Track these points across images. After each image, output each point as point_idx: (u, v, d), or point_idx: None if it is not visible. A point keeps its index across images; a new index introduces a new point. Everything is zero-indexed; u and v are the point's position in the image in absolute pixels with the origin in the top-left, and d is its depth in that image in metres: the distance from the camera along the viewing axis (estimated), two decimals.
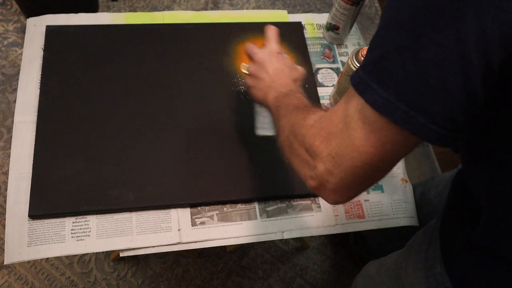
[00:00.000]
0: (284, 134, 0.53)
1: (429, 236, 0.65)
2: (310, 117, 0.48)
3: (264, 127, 0.74)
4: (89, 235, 0.68)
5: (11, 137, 0.75)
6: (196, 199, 0.72)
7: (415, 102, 0.36)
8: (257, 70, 0.66)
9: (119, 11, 1.71)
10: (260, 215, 0.74)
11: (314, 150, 0.44)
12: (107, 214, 0.70)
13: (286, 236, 0.74)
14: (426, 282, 0.63)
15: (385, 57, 0.37)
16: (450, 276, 0.58)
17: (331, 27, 0.91)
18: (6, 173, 1.33)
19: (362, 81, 0.39)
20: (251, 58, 0.69)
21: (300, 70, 0.68)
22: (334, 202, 0.46)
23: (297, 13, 1.78)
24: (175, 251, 0.72)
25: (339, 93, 0.83)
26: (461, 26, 0.33)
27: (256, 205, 0.75)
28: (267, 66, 0.65)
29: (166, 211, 0.72)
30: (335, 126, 0.42)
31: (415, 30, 0.35)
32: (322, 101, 0.86)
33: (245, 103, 0.82)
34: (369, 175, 0.42)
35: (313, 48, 0.94)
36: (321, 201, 0.77)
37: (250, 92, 0.68)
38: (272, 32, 0.70)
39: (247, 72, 0.68)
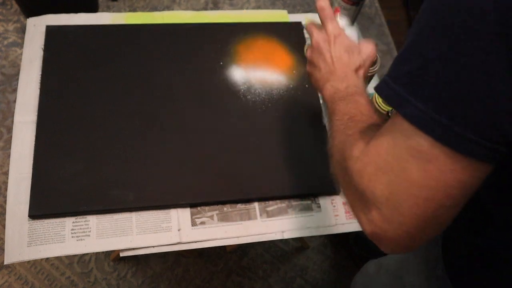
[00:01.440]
0: (336, 159, 0.46)
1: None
2: (357, 144, 0.41)
3: None
4: (89, 235, 0.68)
5: (11, 137, 0.75)
6: (196, 199, 0.72)
7: (459, 115, 0.32)
8: (314, 57, 0.60)
9: (119, 11, 1.71)
10: (260, 215, 0.74)
11: (363, 189, 0.37)
12: (107, 214, 0.70)
13: (286, 236, 0.74)
14: (427, 283, 0.62)
15: (423, 68, 0.34)
16: (452, 279, 0.57)
17: None
18: (6, 173, 1.33)
19: (395, 94, 0.35)
20: (319, 28, 0.61)
21: (365, 51, 0.60)
22: (395, 252, 0.39)
23: (297, 13, 1.78)
24: (175, 251, 0.72)
25: None
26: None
27: (256, 205, 0.75)
28: (323, 53, 0.59)
29: (166, 211, 0.72)
30: (383, 159, 0.36)
31: (457, 37, 0.32)
32: (322, 101, 0.86)
33: (245, 102, 0.82)
34: (435, 216, 0.35)
35: None
36: (321, 201, 0.77)
37: (309, 80, 0.63)
38: (325, 12, 0.60)
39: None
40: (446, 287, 0.58)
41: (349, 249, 1.36)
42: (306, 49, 0.64)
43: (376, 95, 0.77)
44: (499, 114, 0.32)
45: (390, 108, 0.77)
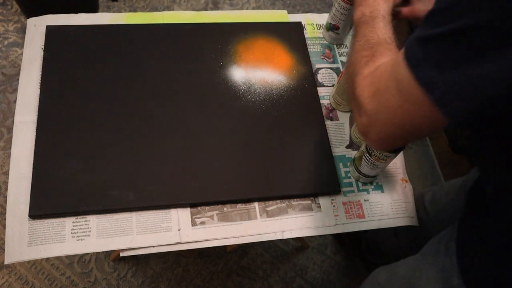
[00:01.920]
0: (349, 73, 0.55)
1: (444, 246, 0.64)
2: (370, 64, 0.51)
3: None
4: (89, 235, 0.68)
5: (11, 137, 0.75)
6: (196, 199, 0.72)
7: (462, 88, 0.38)
8: None
9: (119, 11, 1.71)
10: (260, 215, 0.74)
11: (362, 102, 0.48)
12: (107, 214, 0.70)
13: (286, 236, 0.74)
14: None
15: (450, 35, 0.38)
16: None
17: (331, 27, 0.92)
18: (6, 173, 1.33)
19: (416, 58, 0.41)
20: None
21: None
22: (376, 148, 0.53)
23: (297, 13, 1.78)
24: (175, 251, 0.72)
25: (339, 93, 0.83)
26: None
27: (256, 205, 0.75)
28: None
29: (166, 211, 0.72)
30: (383, 85, 0.46)
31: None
32: (322, 101, 0.86)
33: (245, 102, 0.82)
34: (403, 135, 0.47)
35: (313, 48, 0.94)
36: (321, 201, 0.77)
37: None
38: None
39: None
40: None
41: (362, 256, 1.35)
42: None
43: None
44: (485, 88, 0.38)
45: None
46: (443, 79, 0.39)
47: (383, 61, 0.50)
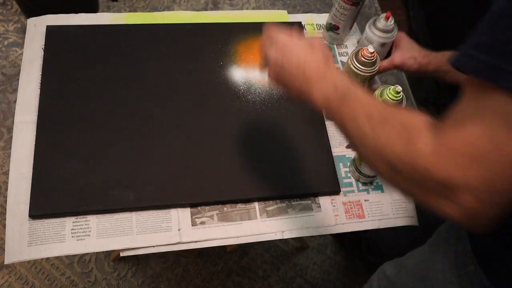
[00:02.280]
0: (381, 166, 0.43)
1: (455, 233, 0.62)
2: (419, 139, 0.38)
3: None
4: (89, 235, 0.68)
5: (12, 137, 0.75)
6: (196, 199, 0.72)
7: None
8: (278, 59, 0.54)
9: (119, 11, 1.71)
10: (260, 215, 0.74)
11: (454, 182, 0.35)
12: (107, 214, 0.70)
13: (286, 236, 0.74)
14: (459, 281, 0.60)
15: (489, 20, 0.33)
16: (487, 274, 0.55)
17: (331, 27, 0.92)
18: (6, 173, 1.33)
19: (489, 66, 0.32)
20: (269, 43, 0.57)
21: (316, 42, 0.55)
22: (490, 228, 0.38)
23: (297, 13, 1.78)
24: (175, 251, 0.72)
25: None
26: None
27: (256, 205, 0.75)
28: (287, 53, 0.54)
29: (166, 211, 0.72)
30: (475, 147, 0.34)
31: None
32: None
33: (245, 103, 0.82)
34: None
35: None
36: (321, 201, 0.77)
37: (278, 86, 0.58)
38: (270, 28, 0.59)
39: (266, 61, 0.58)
40: (480, 281, 0.55)
41: (362, 256, 1.35)
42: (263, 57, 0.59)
43: (377, 92, 0.77)
44: None
45: (399, 98, 0.77)
46: None
47: (424, 122, 0.39)
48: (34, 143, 0.72)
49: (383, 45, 0.84)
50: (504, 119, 0.33)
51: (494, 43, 0.33)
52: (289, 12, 0.98)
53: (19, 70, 0.81)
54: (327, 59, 0.53)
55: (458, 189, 0.35)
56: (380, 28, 0.83)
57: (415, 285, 0.72)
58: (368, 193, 0.80)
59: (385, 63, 0.82)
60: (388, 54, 0.86)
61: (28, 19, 0.87)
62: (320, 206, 0.77)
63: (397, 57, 0.82)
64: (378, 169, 0.44)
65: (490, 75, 0.33)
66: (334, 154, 0.81)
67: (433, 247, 0.68)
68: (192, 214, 0.72)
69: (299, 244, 1.36)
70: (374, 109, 0.45)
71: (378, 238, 1.23)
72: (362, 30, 0.87)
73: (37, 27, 0.85)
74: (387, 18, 0.82)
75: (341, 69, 0.52)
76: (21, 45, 1.57)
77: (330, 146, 0.80)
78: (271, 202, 0.75)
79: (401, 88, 0.78)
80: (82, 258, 1.26)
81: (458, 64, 0.36)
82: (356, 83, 0.49)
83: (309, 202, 0.77)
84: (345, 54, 0.94)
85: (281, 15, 0.98)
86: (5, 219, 0.73)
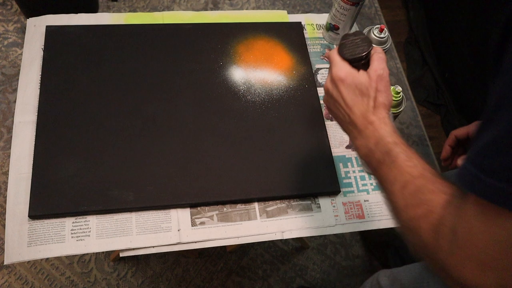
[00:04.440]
0: (410, 241, 0.43)
1: None
2: (441, 231, 0.39)
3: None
4: (89, 235, 0.68)
5: (11, 137, 0.75)
6: (196, 199, 0.72)
7: None
8: (330, 86, 0.54)
9: (119, 11, 1.71)
10: (260, 215, 0.74)
11: (469, 285, 0.37)
12: (107, 214, 0.70)
13: (286, 236, 0.74)
14: None
15: (496, 141, 0.33)
16: None
17: (331, 27, 0.92)
18: (6, 173, 1.33)
19: (501, 192, 0.33)
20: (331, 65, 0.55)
21: (373, 74, 0.51)
22: None
23: (297, 13, 1.78)
24: (175, 251, 0.72)
25: None
26: None
27: (256, 205, 0.75)
28: (334, 97, 0.53)
29: (166, 211, 0.72)
30: (485, 253, 0.35)
31: None
32: (322, 101, 0.86)
33: (245, 103, 0.82)
34: None
35: (313, 48, 0.94)
36: (321, 201, 0.77)
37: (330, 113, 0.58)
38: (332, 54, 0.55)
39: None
40: None
41: (385, 258, 1.33)
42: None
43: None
44: None
45: (399, 99, 0.77)
46: None
47: (451, 214, 0.39)
48: (34, 143, 0.72)
49: None
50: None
51: (500, 166, 0.33)
52: (289, 12, 0.98)
53: (19, 70, 0.82)
54: (376, 107, 0.51)
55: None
56: (374, 39, 0.83)
57: None
58: (368, 193, 0.80)
59: None
60: None
61: (28, 19, 0.86)
62: (320, 207, 0.77)
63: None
64: (406, 239, 0.44)
65: (498, 199, 0.34)
66: (334, 154, 0.81)
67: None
68: (192, 215, 0.72)
69: (299, 244, 1.36)
70: (410, 177, 0.44)
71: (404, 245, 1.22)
72: (362, 30, 0.87)
73: (36, 27, 0.85)
74: (381, 30, 0.83)
75: (387, 120, 0.52)
76: (21, 45, 1.57)
77: (330, 146, 0.80)
78: (271, 202, 0.75)
79: (401, 88, 0.79)
80: (82, 258, 1.26)
81: (464, 184, 0.36)
82: (398, 139, 0.48)
83: (309, 202, 0.77)
84: None
85: (281, 15, 0.98)
86: (4, 219, 0.73)
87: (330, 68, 0.55)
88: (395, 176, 0.45)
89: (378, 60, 0.52)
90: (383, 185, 0.47)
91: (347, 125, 0.53)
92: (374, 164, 0.48)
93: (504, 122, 0.33)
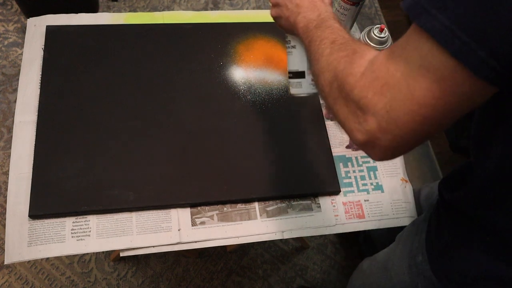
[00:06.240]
0: (326, 79, 0.46)
1: (416, 227, 0.65)
2: (358, 62, 0.42)
3: (297, 85, 0.67)
4: (89, 235, 0.68)
5: (12, 137, 0.75)
6: (196, 199, 0.72)
7: (478, 33, 0.32)
8: None
9: (119, 11, 1.71)
10: (260, 215, 0.74)
11: (366, 104, 0.39)
12: (107, 214, 0.70)
13: (286, 236, 0.74)
14: (409, 272, 0.64)
15: None
16: (431, 263, 0.58)
17: None
18: (6, 173, 1.33)
19: (418, 5, 0.35)
20: None
21: None
22: (381, 159, 0.42)
23: None
24: (175, 251, 0.72)
25: None
26: None
27: (256, 205, 0.75)
28: None
29: (166, 211, 0.72)
30: (391, 75, 0.37)
31: None
32: (322, 101, 0.86)
33: (245, 103, 0.82)
34: (426, 131, 0.37)
35: None
36: (321, 201, 0.77)
37: (277, 25, 0.64)
38: None
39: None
40: (424, 272, 0.59)
41: (358, 248, 1.36)
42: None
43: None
44: None
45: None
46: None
47: (372, 54, 0.42)
48: (34, 143, 0.72)
49: None
50: (421, 59, 0.35)
51: None
52: None
53: (19, 70, 0.82)
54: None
55: (366, 111, 0.39)
56: (374, 39, 0.83)
57: (379, 275, 0.75)
58: (368, 193, 0.80)
59: None
60: None
61: (28, 19, 0.87)
62: (320, 206, 0.77)
63: None
64: (321, 84, 0.47)
65: (415, 13, 0.36)
66: (334, 154, 0.81)
67: (397, 241, 0.72)
68: (192, 214, 0.72)
69: (299, 244, 1.36)
70: (340, 37, 0.49)
71: (373, 232, 1.25)
72: (362, 30, 0.87)
73: (37, 27, 0.85)
74: (381, 30, 0.83)
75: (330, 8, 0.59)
76: (21, 45, 1.57)
77: (330, 146, 0.80)
78: (271, 202, 0.75)
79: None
80: (82, 258, 1.26)
81: (403, 4, 0.39)
82: (337, 19, 0.54)
83: (309, 202, 0.77)
84: None
85: None
86: (5, 219, 0.73)
87: None
88: (327, 35, 0.50)
89: None
90: (314, 44, 0.51)
91: (292, 8, 0.58)
92: (310, 31, 0.53)
93: None
